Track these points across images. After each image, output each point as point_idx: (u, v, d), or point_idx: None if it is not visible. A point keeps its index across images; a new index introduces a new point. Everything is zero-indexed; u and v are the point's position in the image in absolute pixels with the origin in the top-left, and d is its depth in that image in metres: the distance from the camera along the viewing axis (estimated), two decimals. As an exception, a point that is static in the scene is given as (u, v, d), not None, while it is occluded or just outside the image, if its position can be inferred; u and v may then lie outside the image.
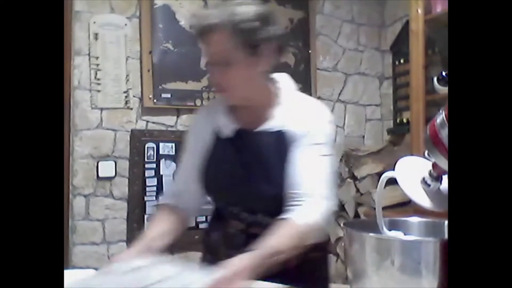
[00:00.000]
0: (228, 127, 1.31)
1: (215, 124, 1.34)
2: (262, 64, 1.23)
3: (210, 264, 1.18)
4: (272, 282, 1.14)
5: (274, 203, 1.22)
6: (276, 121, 1.27)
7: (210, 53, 1.22)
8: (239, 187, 1.28)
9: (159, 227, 1.31)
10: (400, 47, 3.09)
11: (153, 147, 2.68)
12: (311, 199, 1.19)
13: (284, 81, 1.34)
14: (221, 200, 1.38)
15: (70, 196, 2.53)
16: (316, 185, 1.21)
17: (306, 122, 1.26)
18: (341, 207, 2.98)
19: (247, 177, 1.27)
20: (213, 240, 1.39)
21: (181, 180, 1.41)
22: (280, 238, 1.13)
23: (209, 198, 1.40)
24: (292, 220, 1.17)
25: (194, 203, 1.39)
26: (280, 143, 1.25)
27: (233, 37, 1.18)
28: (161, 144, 2.70)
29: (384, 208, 0.99)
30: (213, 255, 1.34)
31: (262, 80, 1.28)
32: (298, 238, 1.15)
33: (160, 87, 2.70)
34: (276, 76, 1.33)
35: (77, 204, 2.54)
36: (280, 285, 1.14)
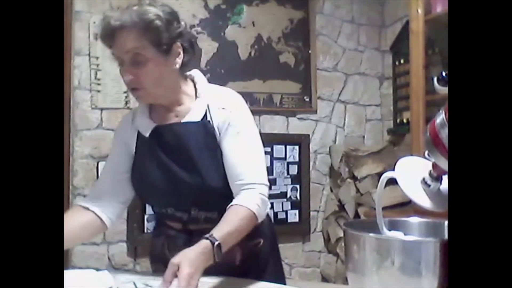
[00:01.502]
0: (147, 126, 1.32)
1: (137, 127, 1.34)
2: (173, 62, 1.26)
3: (162, 270, 1.19)
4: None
5: (206, 195, 1.23)
6: (194, 114, 1.29)
7: (121, 53, 1.23)
8: (168, 186, 1.28)
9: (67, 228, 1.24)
10: (400, 47, 3.09)
11: (153, 147, 2.68)
12: (249, 185, 1.22)
13: (197, 76, 1.36)
14: (155, 203, 1.39)
15: (70, 196, 2.53)
16: (251, 171, 1.24)
17: (225, 113, 1.28)
18: (341, 207, 2.98)
19: (173, 173, 1.27)
20: (157, 246, 1.39)
21: (103, 184, 1.39)
22: (229, 223, 1.15)
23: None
24: (237, 206, 1.19)
25: (114, 208, 1.37)
26: (202, 133, 1.27)
27: (143, 36, 1.20)
28: (161, 144, 2.70)
29: (384, 208, 0.99)
30: (160, 262, 1.33)
31: (175, 78, 1.30)
32: (245, 220, 1.18)
33: (160, 87, 2.69)
34: (190, 72, 1.36)
35: (77, 204, 2.54)
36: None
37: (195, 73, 1.37)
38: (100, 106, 2.60)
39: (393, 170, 0.95)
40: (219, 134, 1.27)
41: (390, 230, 1.00)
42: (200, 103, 1.30)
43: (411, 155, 1.07)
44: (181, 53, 1.27)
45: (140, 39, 1.20)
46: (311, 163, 3.08)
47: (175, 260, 1.02)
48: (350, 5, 3.25)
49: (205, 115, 1.28)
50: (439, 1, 2.39)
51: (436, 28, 2.41)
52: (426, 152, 0.92)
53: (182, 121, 1.29)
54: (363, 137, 3.28)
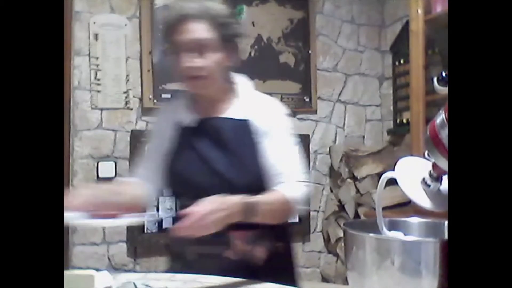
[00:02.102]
0: (189, 118, 1.36)
1: (176, 119, 1.39)
2: (231, 58, 1.33)
3: (179, 268, 1.22)
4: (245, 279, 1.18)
5: (240, 189, 1.25)
6: (236, 112, 1.34)
7: (186, 41, 1.26)
8: (204, 178, 1.30)
9: (129, 189, 1.35)
10: (400, 47, 3.09)
11: (153, 147, 2.68)
12: (291, 183, 1.29)
13: (239, 77, 1.42)
14: (187, 194, 1.38)
15: (70, 196, 2.53)
16: (293, 171, 1.31)
17: (269, 116, 1.34)
18: (341, 207, 2.98)
19: (212, 164, 1.30)
20: (180, 240, 1.37)
21: (144, 171, 1.44)
22: (268, 198, 1.22)
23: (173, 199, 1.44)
24: (274, 190, 1.26)
25: (153, 191, 1.43)
26: (244, 131, 1.32)
27: (210, 28, 1.26)
28: (161, 144, 2.70)
29: (384, 209, 0.99)
30: (181, 258, 1.36)
31: (225, 75, 1.36)
32: (279, 202, 1.24)
33: (160, 87, 2.70)
34: (235, 74, 1.41)
35: (77, 204, 2.54)
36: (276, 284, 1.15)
37: (240, 76, 1.43)
38: (100, 106, 2.60)
39: (393, 170, 0.95)
40: (260, 135, 1.32)
41: (390, 230, 1.00)
42: (242, 103, 1.35)
43: (411, 155, 1.07)
44: (237, 51, 1.35)
45: (209, 31, 1.26)
46: (311, 163, 3.08)
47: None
48: (350, 5, 3.25)
49: (247, 115, 1.33)
50: (439, 1, 2.39)
51: (436, 28, 2.41)
52: (426, 152, 0.92)
53: (225, 116, 1.34)
54: (363, 137, 3.28)
